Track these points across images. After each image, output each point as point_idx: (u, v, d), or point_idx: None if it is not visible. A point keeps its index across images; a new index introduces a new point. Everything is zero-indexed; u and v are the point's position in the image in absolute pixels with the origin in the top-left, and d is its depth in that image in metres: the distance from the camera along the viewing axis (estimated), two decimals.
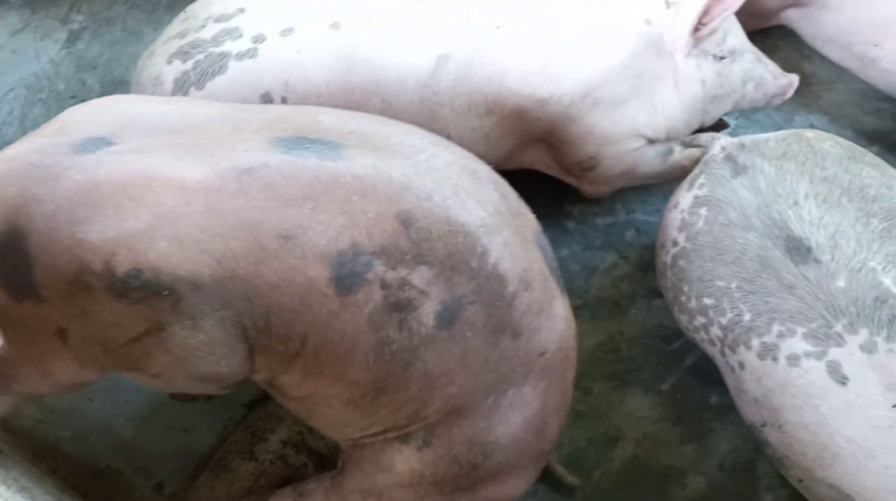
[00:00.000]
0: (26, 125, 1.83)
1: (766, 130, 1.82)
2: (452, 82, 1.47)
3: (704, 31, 1.49)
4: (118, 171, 1.00)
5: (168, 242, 0.98)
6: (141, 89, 1.52)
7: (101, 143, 1.04)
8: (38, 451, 1.48)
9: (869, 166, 1.32)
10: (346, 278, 1.00)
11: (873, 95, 1.80)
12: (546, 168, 1.71)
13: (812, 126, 1.82)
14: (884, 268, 1.19)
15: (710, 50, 1.54)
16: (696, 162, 1.68)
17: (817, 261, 1.21)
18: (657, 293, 1.58)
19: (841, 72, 1.82)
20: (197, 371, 1.08)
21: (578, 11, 1.49)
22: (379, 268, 1.00)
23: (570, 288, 1.62)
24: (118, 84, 1.88)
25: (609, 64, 1.49)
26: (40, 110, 1.85)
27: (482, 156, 1.59)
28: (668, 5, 1.51)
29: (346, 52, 1.44)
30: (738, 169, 1.37)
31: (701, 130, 1.69)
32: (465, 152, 1.19)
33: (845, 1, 1.69)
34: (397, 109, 1.47)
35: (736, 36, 1.58)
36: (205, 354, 1.04)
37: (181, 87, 1.45)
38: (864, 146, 1.75)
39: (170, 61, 1.47)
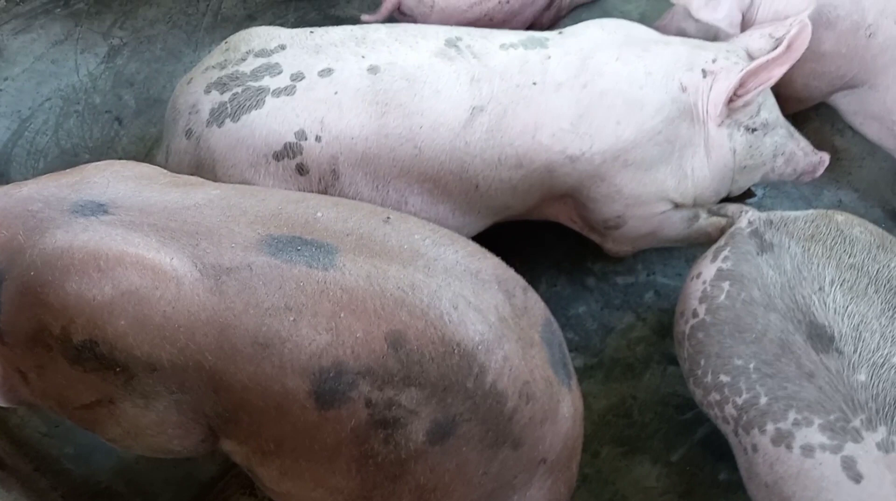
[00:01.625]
0: (59, 136, 1.85)
1: (794, 202, 1.82)
2: (485, 134, 1.48)
3: (739, 102, 1.49)
4: (97, 240, 1.00)
5: (128, 321, 0.97)
6: (177, 114, 1.54)
7: (98, 209, 1.05)
8: (40, 465, 1.48)
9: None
10: (328, 394, 0.97)
11: None
12: (570, 222, 1.70)
13: (840, 202, 1.81)
14: None
15: (743, 121, 1.55)
16: (722, 231, 1.68)
17: (839, 351, 1.19)
18: (673, 360, 1.57)
19: (873, 149, 1.81)
20: (148, 446, 1.07)
21: (615, 72, 1.50)
22: (364, 388, 0.97)
23: (586, 346, 1.64)
24: (153, 102, 1.90)
25: (642, 127, 1.49)
26: (75, 122, 1.88)
27: (508, 206, 1.63)
28: (704, 74, 1.51)
29: (382, 97, 1.45)
30: (765, 246, 1.36)
31: (728, 199, 1.69)
32: (468, 248, 1.15)
33: (893, 83, 1.68)
34: (428, 156, 1.48)
35: (770, 110, 1.59)
36: (156, 432, 1.03)
37: (217, 117, 1.46)
38: (892, 227, 1.78)
39: (208, 91, 1.49)
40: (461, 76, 1.48)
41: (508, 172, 1.52)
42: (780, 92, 1.64)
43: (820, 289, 1.26)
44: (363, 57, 1.47)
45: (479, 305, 1.05)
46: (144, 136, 1.86)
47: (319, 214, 1.09)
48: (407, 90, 1.45)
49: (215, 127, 1.46)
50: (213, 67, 1.53)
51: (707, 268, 1.42)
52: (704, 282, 1.40)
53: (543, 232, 1.74)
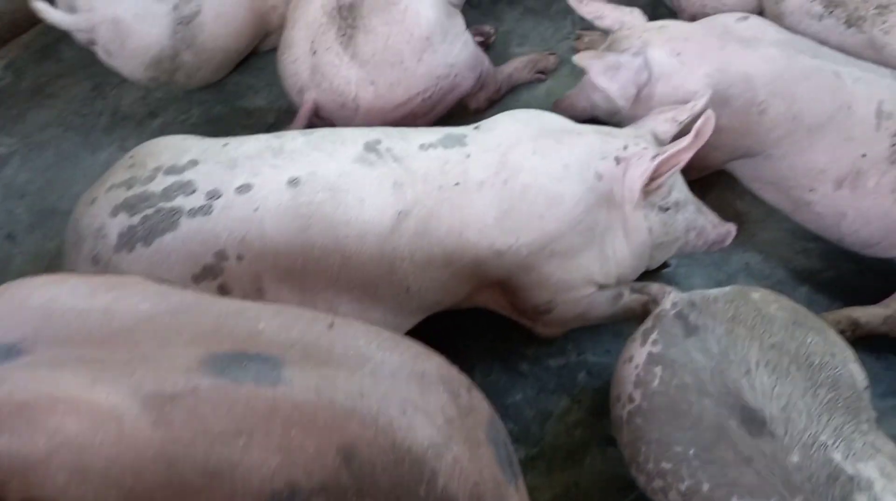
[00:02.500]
0: None
1: (704, 268, 1.91)
2: (413, 237, 1.47)
3: (653, 186, 1.57)
4: (21, 389, 0.91)
5: (68, 473, 0.89)
6: (79, 238, 1.44)
7: (9, 352, 0.95)
8: None
9: (812, 331, 1.38)
10: None
11: (801, 235, 1.91)
12: (499, 308, 1.71)
13: (747, 264, 1.92)
14: (833, 443, 1.23)
15: (656, 202, 1.62)
16: (645, 306, 1.75)
17: (772, 435, 1.24)
18: (611, 441, 1.59)
19: (771, 211, 1.93)
20: None
21: (533, 167, 1.53)
22: None
23: (526, 436, 1.64)
24: (49, 214, 1.77)
25: (564, 219, 1.53)
26: None
27: (438, 302, 1.62)
28: (617, 161, 1.57)
29: (305, 211, 1.41)
30: (690, 329, 1.41)
31: (646, 271, 1.76)
32: (412, 350, 1.15)
33: (787, 152, 1.81)
34: (356, 265, 1.45)
35: (679, 189, 1.68)
36: None
37: (126, 242, 1.38)
38: (795, 286, 1.90)
39: (114, 213, 1.41)
40: (384, 182, 1.47)
41: (438, 271, 1.52)
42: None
43: (747, 372, 1.31)
44: (282, 169, 1.44)
45: (426, 407, 1.05)
46: (41, 252, 1.73)
47: (262, 325, 1.05)
48: (331, 201, 1.43)
49: (125, 253, 1.38)
50: (119, 185, 1.45)
51: (638, 352, 1.45)
52: (637, 366, 1.43)
53: (471, 320, 1.74)
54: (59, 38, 1.83)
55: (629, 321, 1.73)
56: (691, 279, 1.87)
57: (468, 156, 1.54)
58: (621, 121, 1.92)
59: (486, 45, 2.24)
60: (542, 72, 2.20)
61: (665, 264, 1.87)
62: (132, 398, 0.92)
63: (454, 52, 1.88)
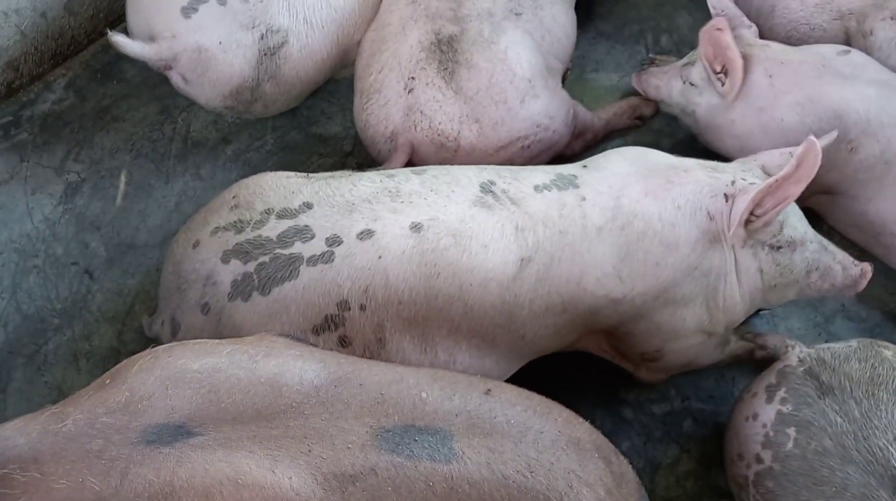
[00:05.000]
0: (19, 299, 1.58)
1: (802, 309, 1.85)
2: (533, 285, 1.41)
3: (758, 222, 1.47)
4: (202, 474, 0.87)
5: None
6: (184, 283, 1.36)
7: (179, 433, 0.90)
8: None
9: None
10: None
11: (894, 275, 1.87)
12: (601, 352, 1.66)
13: (843, 307, 1.87)
14: None
15: (766, 240, 1.52)
16: (751, 352, 1.70)
17: None
18: (723, 493, 1.55)
19: (862, 252, 1.89)
20: None
21: (647, 212, 1.47)
22: None
23: None
24: (126, 248, 1.67)
25: (679, 266, 1.47)
26: (35, 280, 1.62)
27: (547, 348, 1.56)
28: (727, 198, 1.49)
29: (430, 258, 1.34)
30: (825, 389, 1.35)
31: None
32: (563, 414, 1.14)
33: (875, 196, 1.77)
34: (478, 313, 1.39)
35: (794, 226, 1.56)
36: None
37: (242, 291, 1.30)
38: (893, 329, 1.86)
39: (226, 259, 1.33)
40: (506, 227, 1.40)
41: (554, 319, 1.46)
42: None
43: (895, 439, 1.27)
44: (402, 214, 1.37)
45: (587, 479, 1.04)
46: (122, 290, 1.63)
47: (424, 394, 1.04)
48: (455, 247, 1.36)
49: (240, 302, 1.30)
50: (226, 228, 1.36)
51: (764, 409, 1.40)
52: (765, 425, 1.38)
53: (568, 364, 1.68)
54: (122, 55, 1.72)
55: (732, 366, 1.70)
56: (789, 321, 1.82)
57: (584, 199, 1.48)
58: (691, 124, 1.93)
59: (563, 80, 2.18)
60: (640, 118, 2.13)
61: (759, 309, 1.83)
62: (313, 480, 0.88)
63: (554, 105, 1.82)
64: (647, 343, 1.56)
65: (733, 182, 1.50)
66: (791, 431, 1.34)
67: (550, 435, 1.06)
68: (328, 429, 0.94)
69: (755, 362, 1.69)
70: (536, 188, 1.49)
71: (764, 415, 1.39)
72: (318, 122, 1.99)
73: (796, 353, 1.45)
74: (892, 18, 2.01)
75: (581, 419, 1.16)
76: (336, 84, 2.01)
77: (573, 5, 2.11)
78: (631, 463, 1.56)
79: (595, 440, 1.13)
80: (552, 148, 1.88)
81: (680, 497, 1.57)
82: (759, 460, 1.37)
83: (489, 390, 1.10)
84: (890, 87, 1.81)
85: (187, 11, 1.68)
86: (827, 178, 1.81)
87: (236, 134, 1.93)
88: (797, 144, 1.50)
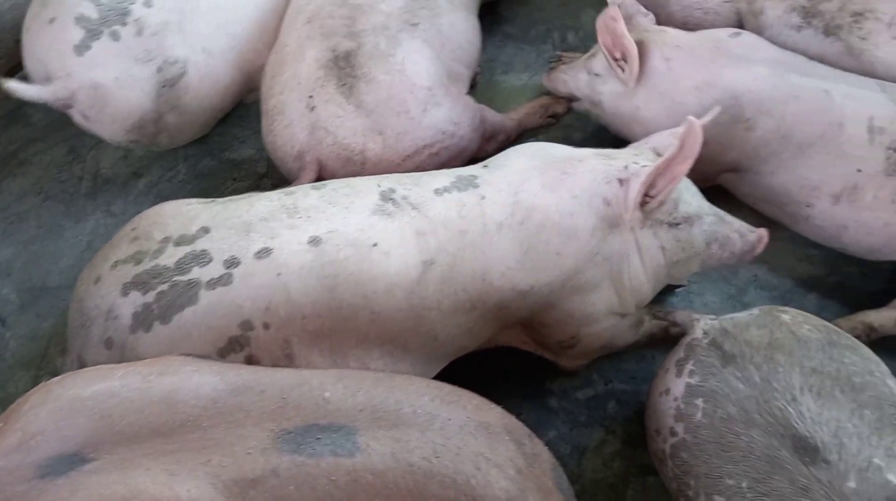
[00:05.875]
0: None
1: (714, 283, 1.92)
2: (439, 286, 1.44)
3: (653, 203, 1.52)
4: (97, 499, 0.86)
5: None
6: (87, 319, 1.36)
7: (72, 461, 0.90)
8: None
9: (848, 350, 1.39)
10: None
11: (802, 242, 1.93)
12: (522, 345, 1.69)
13: (756, 277, 1.93)
14: (887, 464, 1.23)
15: (664, 219, 1.57)
16: (665, 330, 1.75)
17: (826, 462, 1.24)
18: (650, 470, 1.58)
19: (769, 221, 1.94)
20: None
21: (545, 204, 1.50)
22: None
23: (566, 474, 1.60)
24: (39, 292, 1.66)
25: (581, 253, 1.51)
26: None
27: (464, 347, 1.58)
28: (621, 183, 1.53)
29: (331, 270, 1.36)
30: (727, 358, 1.40)
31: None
32: (474, 401, 1.15)
33: (778, 169, 1.83)
34: (385, 319, 1.41)
35: (688, 202, 1.61)
36: None
37: (143, 322, 1.31)
38: (804, 294, 1.92)
39: (125, 292, 1.33)
40: (406, 232, 1.43)
41: (464, 317, 1.49)
42: None
43: (793, 399, 1.31)
44: (300, 229, 1.39)
45: (497, 460, 1.05)
46: (36, 334, 1.62)
47: (327, 393, 1.04)
48: (355, 257, 1.38)
49: (142, 333, 1.31)
50: (125, 261, 1.37)
51: (674, 383, 1.44)
52: (676, 399, 1.42)
53: (493, 359, 1.71)
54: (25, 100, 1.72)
55: (652, 346, 1.74)
56: (704, 296, 1.88)
57: (483, 197, 1.51)
58: (600, 114, 1.98)
59: (473, 85, 2.22)
60: (553, 116, 2.18)
61: (680, 285, 1.87)
62: (213, 488, 0.89)
63: (458, 111, 1.85)
64: (561, 331, 1.59)
65: (626, 167, 1.55)
66: (699, 402, 1.38)
67: (458, 422, 1.07)
68: (227, 438, 0.94)
69: (671, 339, 1.73)
70: (437, 192, 1.51)
71: (675, 389, 1.43)
72: (231, 147, 2.00)
73: (701, 326, 1.49)
74: None
75: (492, 405, 1.18)
76: (246, 108, 2.02)
77: (475, 11, 2.15)
78: (558, 449, 1.63)
79: (507, 423, 1.15)
80: (462, 153, 1.91)
81: (607, 478, 1.60)
82: (673, 433, 1.41)
83: (394, 382, 1.12)
84: (781, 64, 1.88)
85: (80, 49, 1.68)
86: (730, 156, 1.88)
87: (147, 167, 1.93)
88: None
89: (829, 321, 1.78)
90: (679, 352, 1.49)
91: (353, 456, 0.95)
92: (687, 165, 1.46)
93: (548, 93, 2.18)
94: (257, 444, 0.93)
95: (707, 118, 1.59)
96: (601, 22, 1.84)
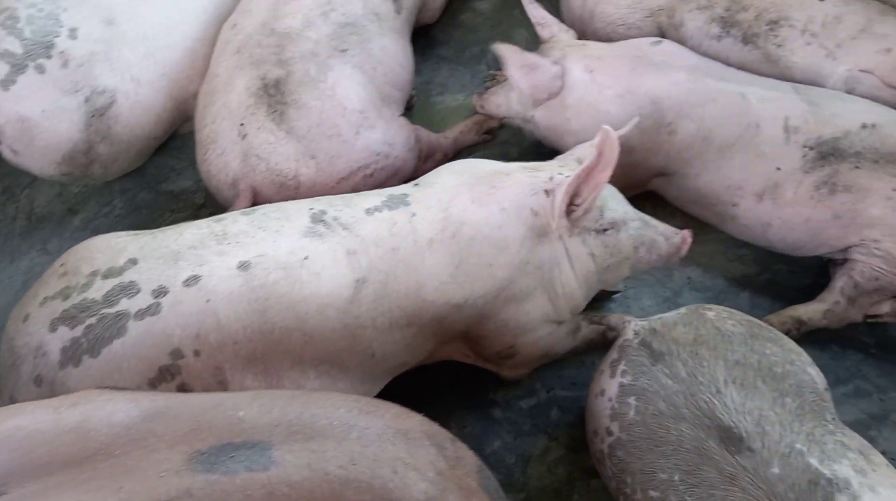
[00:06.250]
0: None
1: (651, 287, 1.97)
2: (373, 303, 1.46)
3: (578, 211, 1.56)
4: None
5: None
6: (17, 358, 1.35)
7: None
8: None
9: (769, 342, 1.44)
10: None
11: (733, 243, 2.00)
12: (464, 358, 1.72)
13: (689, 279, 1.99)
14: (808, 448, 1.28)
15: (591, 226, 1.61)
16: (603, 334, 1.79)
17: (751, 450, 1.28)
18: (593, 473, 1.61)
19: (702, 224, 2.01)
20: None
21: (475, 218, 1.54)
22: None
23: (510, 483, 1.63)
24: None
25: (512, 262, 1.54)
26: None
27: (404, 363, 1.60)
28: (547, 193, 1.58)
29: (261, 294, 1.37)
30: (656, 356, 1.44)
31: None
32: (392, 410, 1.17)
33: (702, 171, 1.90)
34: (319, 340, 1.42)
35: (614, 209, 1.66)
36: None
37: (72, 357, 1.30)
38: (736, 293, 1.98)
39: (53, 328, 1.32)
40: (337, 253, 1.45)
41: (401, 333, 1.51)
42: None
43: (717, 391, 1.35)
44: (229, 255, 1.40)
45: (415, 464, 1.06)
46: None
47: (242, 413, 1.04)
48: (285, 280, 1.39)
49: (72, 368, 1.30)
50: (53, 297, 1.36)
51: (608, 384, 1.47)
52: (610, 399, 1.46)
53: (437, 374, 1.73)
54: None
55: (590, 351, 1.77)
56: (641, 301, 1.92)
57: (414, 215, 1.54)
58: (533, 130, 2.02)
59: (409, 107, 2.26)
60: (488, 132, 2.23)
61: (616, 291, 1.92)
62: None
63: (392, 132, 1.88)
64: (499, 342, 1.62)
65: (552, 178, 1.59)
66: (632, 400, 1.42)
67: (376, 430, 1.09)
68: (140, 464, 0.94)
69: (609, 343, 1.76)
70: (368, 212, 1.54)
71: (609, 390, 1.46)
72: (168, 178, 2.01)
73: (632, 327, 1.53)
74: (697, 9, 2.18)
75: (412, 413, 1.20)
76: (183, 139, 2.04)
77: (407, 35, 2.20)
78: (503, 459, 1.65)
79: (427, 429, 1.17)
80: (398, 173, 1.94)
81: (553, 484, 1.62)
82: (609, 432, 1.44)
83: (311, 398, 1.13)
84: (699, 69, 1.96)
85: (6, 84, 1.69)
86: (657, 161, 1.95)
87: (83, 203, 1.92)
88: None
89: (761, 317, 1.86)
90: (612, 354, 1.53)
91: (268, 470, 0.96)
92: (607, 172, 1.51)
93: None
94: (171, 467, 0.94)
95: (625, 129, 1.65)
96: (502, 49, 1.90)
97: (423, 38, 2.50)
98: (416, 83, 2.36)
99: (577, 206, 1.55)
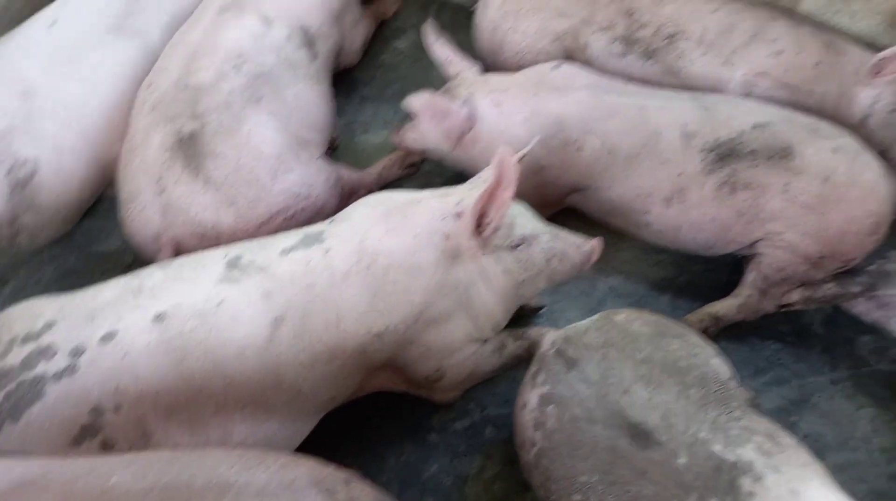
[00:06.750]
0: None
1: (575, 299, 2.04)
2: (292, 341, 1.50)
3: (488, 231, 1.61)
4: None
5: None
6: None
7: None
8: None
9: (674, 338, 1.51)
10: None
11: (651, 249, 2.08)
12: (394, 386, 1.75)
13: (612, 287, 2.06)
14: (712, 436, 1.34)
15: (502, 244, 1.67)
16: (529, 349, 1.84)
17: (658, 443, 1.34)
18: (528, 486, 1.63)
19: (621, 234, 2.09)
20: None
21: (389, 248, 1.59)
22: None
23: None
24: None
25: (428, 287, 1.60)
26: None
27: (333, 397, 1.64)
28: (457, 216, 1.63)
29: (178, 343, 1.41)
30: (570, 363, 1.50)
31: (523, 310, 1.84)
32: (279, 461, 1.16)
33: (613, 183, 1.98)
34: (241, 382, 1.45)
35: (523, 225, 1.71)
36: None
37: None
38: (657, 297, 2.06)
39: None
40: (252, 295, 1.49)
41: (325, 367, 1.55)
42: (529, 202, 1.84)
43: (625, 391, 1.41)
44: (145, 308, 1.44)
45: None
46: None
47: (114, 479, 1.03)
48: (202, 327, 1.43)
49: None
50: None
51: (530, 396, 1.53)
52: (532, 410, 1.51)
53: (375, 404, 1.76)
54: None
55: (520, 367, 1.82)
56: (567, 313, 1.99)
57: (328, 250, 1.59)
58: (455, 161, 2.09)
59: (334, 148, 2.33)
60: (412, 165, 2.30)
61: (541, 306, 1.98)
62: None
63: (311, 174, 1.94)
64: (426, 366, 1.67)
65: (460, 201, 1.65)
66: (551, 408, 1.47)
67: (256, 486, 1.08)
68: None
69: None
70: (283, 252, 1.59)
71: (531, 401, 1.52)
72: (97, 240, 2.04)
73: (549, 338, 1.59)
74: (600, 30, 2.30)
75: (302, 461, 1.19)
76: (110, 201, 2.07)
77: (324, 79, 2.28)
78: (441, 482, 1.68)
79: (316, 476, 1.15)
80: (320, 213, 1.99)
81: None
82: (533, 442, 1.49)
83: (190, 458, 1.12)
84: (599, 87, 2.06)
85: None
86: (569, 178, 2.03)
87: (12, 273, 1.95)
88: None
89: (681, 317, 1.94)
90: (533, 366, 1.59)
91: None
92: (510, 191, 1.57)
93: None
94: None
95: (525, 150, 1.73)
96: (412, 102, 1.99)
97: (346, 79, 2.58)
98: (340, 124, 2.44)
99: (486, 225, 1.61)
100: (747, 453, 1.32)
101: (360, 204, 1.75)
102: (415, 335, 1.61)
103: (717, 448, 1.32)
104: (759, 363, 1.88)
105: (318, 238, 1.63)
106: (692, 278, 2.06)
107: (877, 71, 2.17)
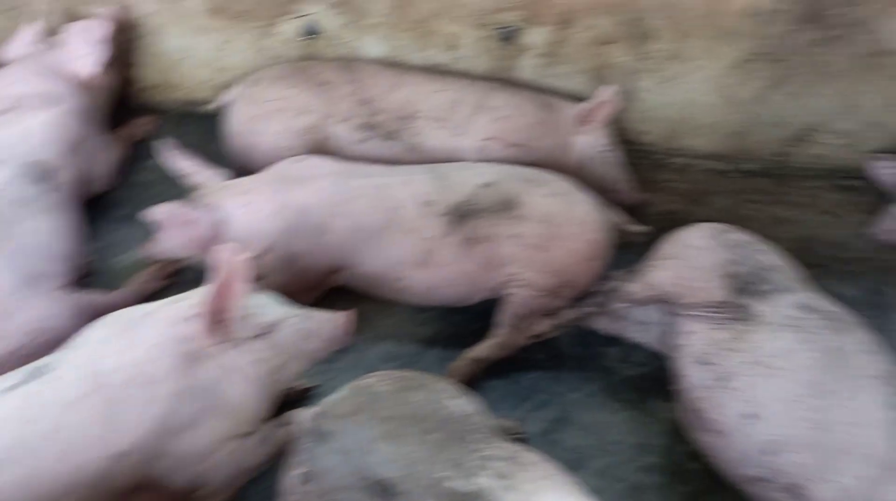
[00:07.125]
0: None
1: (348, 372, 2.01)
2: (15, 486, 1.40)
3: (227, 325, 1.61)
4: None
5: None
6: None
7: None
8: None
9: (417, 390, 1.56)
10: None
11: (416, 310, 2.18)
12: None
13: (385, 353, 2.13)
14: (452, 473, 1.39)
15: (248, 334, 1.66)
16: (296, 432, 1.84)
17: (401, 493, 1.36)
18: None
19: (386, 301, 2.18)
20: None
21: (122, 365, 1.56)
22: None
23: None
24: None
25: (169, 394, 1.56)
26: None
27: None
28: (191, 319, 1.62)
29: None
30: (324, 436, 1.51)
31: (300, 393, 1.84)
32: None
33: (365, 259, 2.09)
34: None
35: (268, 312, 1.72)
36: None
37: None
38: (425, 352, 2.12)
39: None
40: None
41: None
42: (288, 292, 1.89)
43: (370, 451, 1.44)
44: None
45: None
46: None
47: None
48: None
49: None
50: None
51: (291, 481, 1.52)
52: (295, 494, 1.50)
53: None
54: None
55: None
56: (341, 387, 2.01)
57: (59, 379, 1.53)
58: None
59: (87, 274, 2.27)
60: (173, 275, 2.27)
61: (313, 386, 2.00)
62: None
63: (49, 307, 1.92)
64: (184, 476, 1.61)
65: (193, 305, 1.65)
66: (309, 486, 1.47)
67: None
68: None
69: None
70: (3, 392, 1.51)
71: (293, 482, 1.50)
72: None
73: (305, 416, 1.60)
74: (341, 121, 2.45)
75: None
76: None
77: (68, 208, 2.24)
78: None
79: None
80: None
81: None
82: None
83: None
84: (342, 173, 2.17)
85: None
86: (324, 261, 2.10)
87: None
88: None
89: (447, 367, 2.04)
90: (291, 447, 1.59)
91: None
92: (238, 283, 1.61)
93: None
94: None
95: (229, 251, 1.65)
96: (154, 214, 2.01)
97: (100, 202, 2.54)
98: (95, 247, 2.37)
99: (224, 319, 1.61)
100: (483, 481, 1.38)
101: (93, 326, 1.70)
102: (164, 447, 1.56)
103: (458, 483, 1.38)
104: (520, 392, 2.01)
105: (45, 370, 1.56)
106: (456, 329, 2.18)
107: (583, 120, 2.50)
